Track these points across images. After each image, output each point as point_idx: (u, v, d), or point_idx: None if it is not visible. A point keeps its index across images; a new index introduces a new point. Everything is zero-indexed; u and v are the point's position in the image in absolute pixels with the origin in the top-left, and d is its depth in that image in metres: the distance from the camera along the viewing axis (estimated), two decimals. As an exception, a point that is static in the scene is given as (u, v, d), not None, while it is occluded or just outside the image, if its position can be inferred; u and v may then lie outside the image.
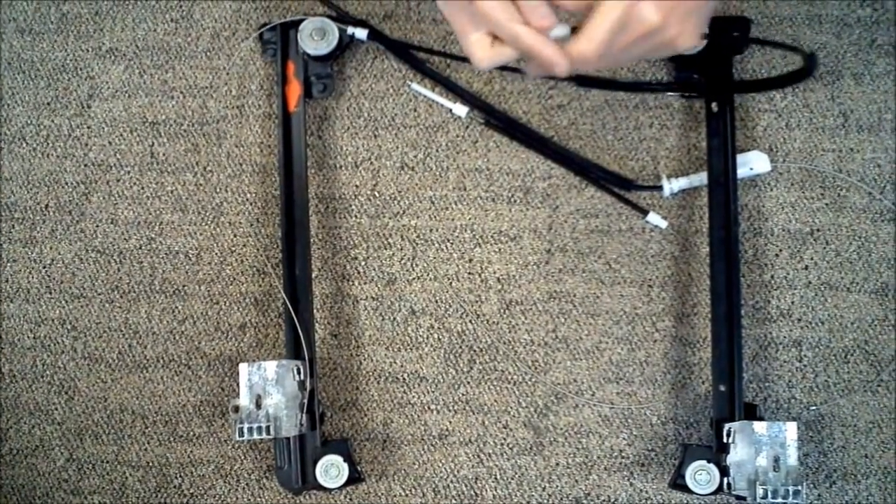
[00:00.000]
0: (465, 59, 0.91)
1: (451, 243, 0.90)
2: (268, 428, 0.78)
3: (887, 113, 0.88)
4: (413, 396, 0.88)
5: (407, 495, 0.87)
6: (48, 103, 0.94)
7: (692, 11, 0.63)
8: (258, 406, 0.79)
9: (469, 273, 0.89)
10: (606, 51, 0.62)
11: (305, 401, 0.81)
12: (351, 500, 0.87)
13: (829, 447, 0.85)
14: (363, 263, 0.90)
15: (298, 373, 0.82)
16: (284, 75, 0.89)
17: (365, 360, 0.89)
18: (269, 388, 0.79)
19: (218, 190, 0.92)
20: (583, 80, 0.89)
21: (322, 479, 0.82)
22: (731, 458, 0.79)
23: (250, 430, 0.78)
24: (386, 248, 0.90)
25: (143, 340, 0.90)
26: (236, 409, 0.79)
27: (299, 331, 0.83)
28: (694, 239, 0.88)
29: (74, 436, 0.90)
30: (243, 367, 0.80)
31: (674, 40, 0.63)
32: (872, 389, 0.85)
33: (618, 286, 0.88)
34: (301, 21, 0.89)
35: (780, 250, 0.88)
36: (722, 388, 0.82)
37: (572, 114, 0.91)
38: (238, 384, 0.81)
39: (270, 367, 0.80)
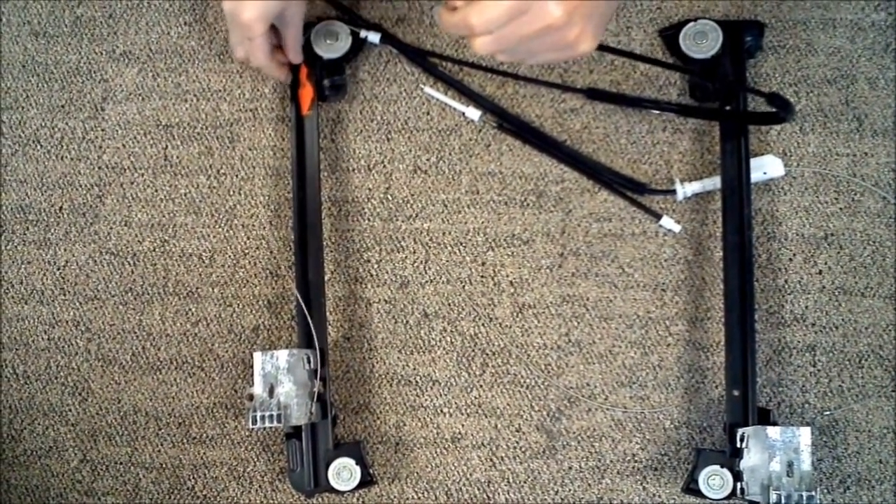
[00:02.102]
0: (478, 65, 0.91)
1: (464, 247, 0.90)
2: (279, 416, 0.78)
3: (902, 117, 0.88)
4: (426, 399, 0.88)
5: (419, 498, 0.87)
6: (62, 106, 0.94)
7: (593, 13, 0.65)
8: (271, 394, 0.79)
9: (482, 276, 0.89)
10: (505, 36, 0.64)
11: (316, 389, 0.82)
12: (363, 503, 0.87)
13: (843, 452, 0.85)
14: (376, 266, 0.90)
15: (309, 361, 0.82)
16: (297, 79, 0.89)
17: (377, 362, 0.89)
18: (280, 376, 0.80)
19: (231, 193, 0.92)
20: (593, 94, 0.89)
21: (334, 482, 0.82)
22: (745, 462, 0.79)
23: (262, 417, 0.78)
24: (399, 251, 0.90)
25: (157, 342, 0.91)
26: (251, 397, 0.79)
27: (310, 321, 0.83)
28: (707, 243, 0.88)
29: (88, 437, 0.90)
30: (257, 356, 0.80)
31: (576, 41, 0.65)
32: (887, 395, 0.85)
33: (631, 290, 0.88)
34: (314, 24, 0.89)
35: (794, 255, 0.87)
36: (735, 392, 0.82)
37: (585, 117, 0.90)
38: (252, 377, 0.82)
39: (282, 355, 0.80)
